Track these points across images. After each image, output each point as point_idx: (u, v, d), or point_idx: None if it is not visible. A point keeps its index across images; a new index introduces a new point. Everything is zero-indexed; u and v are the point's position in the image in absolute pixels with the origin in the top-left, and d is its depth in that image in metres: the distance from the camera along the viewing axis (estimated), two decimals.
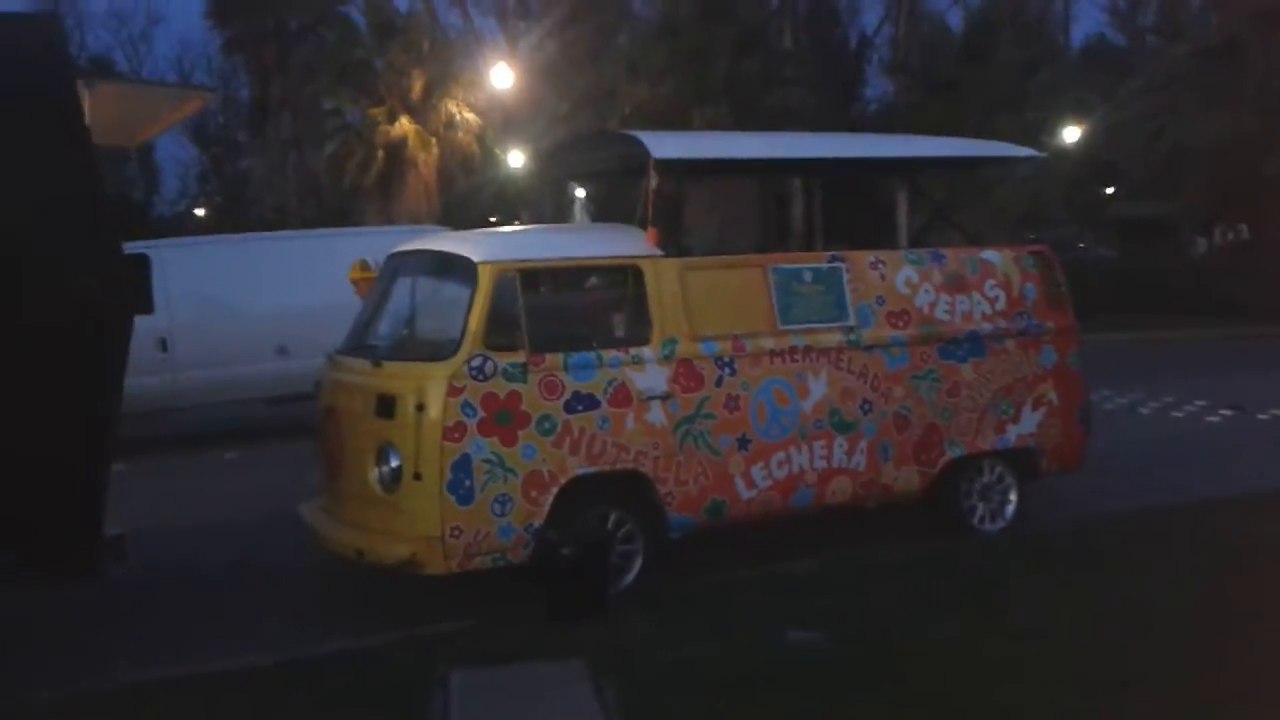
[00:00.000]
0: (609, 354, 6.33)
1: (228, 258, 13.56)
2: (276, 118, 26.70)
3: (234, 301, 13.00)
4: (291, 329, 12.42)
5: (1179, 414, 12.57)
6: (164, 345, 12.25)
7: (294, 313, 12.58)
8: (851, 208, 13.72)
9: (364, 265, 8.12)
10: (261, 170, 31.56)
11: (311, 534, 6.68)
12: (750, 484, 6.61)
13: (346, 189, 26.66)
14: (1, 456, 5.02)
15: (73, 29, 38.52)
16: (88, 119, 5.28)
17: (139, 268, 10.99)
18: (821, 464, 6.81)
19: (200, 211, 38.38)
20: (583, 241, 7.06)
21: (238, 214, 33.70)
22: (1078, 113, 25.55)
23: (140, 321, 7.49)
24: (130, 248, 12.41)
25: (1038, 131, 23.72)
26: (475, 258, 6.26)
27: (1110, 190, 31.75)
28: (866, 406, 6.95)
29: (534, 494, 6.06)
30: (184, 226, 32.29)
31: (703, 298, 6.57)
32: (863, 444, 6.93)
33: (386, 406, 6.12)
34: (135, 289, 5.72)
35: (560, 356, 6.18)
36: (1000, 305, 7.47)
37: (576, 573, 5.90)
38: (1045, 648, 5.26)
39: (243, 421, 12.84)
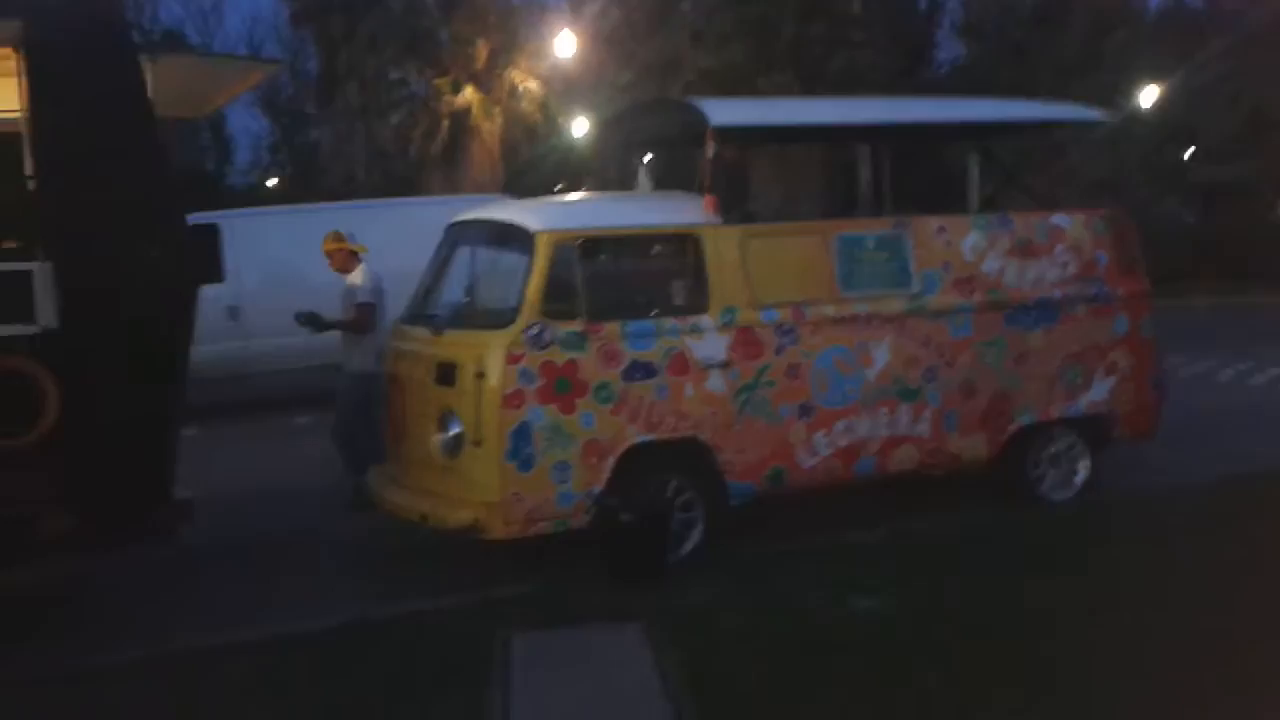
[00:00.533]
0: (667, 322, 6.30)
1: (296, 227, 13.67)
2: (344, 88, 26.86)
3: (302, 270, 13.12)
4: None
5: (1258, 381, 12.23)
6: (234, 313, 12.45)
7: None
8: (919, 173, 13.49)
9: (337, 236, 8.21)
10: (330, 140, 31.81)
11: (377, 499, 6.77)
12: (811, 451, 6.55)
13: (412, 158, 26.79)
14: (73, 422, 5.11)
15: (144, 2, 39.26)
16: (151, 91, 5.33)
17: (207, 238, 11.14)
18: (885, 431, 6.73)
19: (272, 182, 38.88)
20: (641, 209, 7.02)
21: (308, 184, 34.06)
22: (1154, 76, 24.82)
23: (212, 289, 7.70)
24: (202, 218, 12.77)
25: (1113, 95, 23.08)
26: (533, 226, 6.25)
27: (1189, 154, 30.87)
28: (930, 374, 6.85)
29: (593, 461, 6.07)
30: (256, 196, 32.72)
31: (763, 265, 6.51)
32: (927, 412, 6.84)
33: (447, 374, 6.16)
34: (202, 259, 5.77)
35: (618, 325, 6.16)
36: (1071, 271, 7.31)
37: (636, 539, 5.92)
38: (1115, 619, 5.16)
39: (312, 388, 13.01)
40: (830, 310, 6.63)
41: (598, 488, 6.07)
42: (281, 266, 13.07)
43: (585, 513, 6.07)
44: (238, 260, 12.44)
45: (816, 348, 6.56)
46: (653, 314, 6.35)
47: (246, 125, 53.00)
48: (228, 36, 40.09)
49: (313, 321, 7.99)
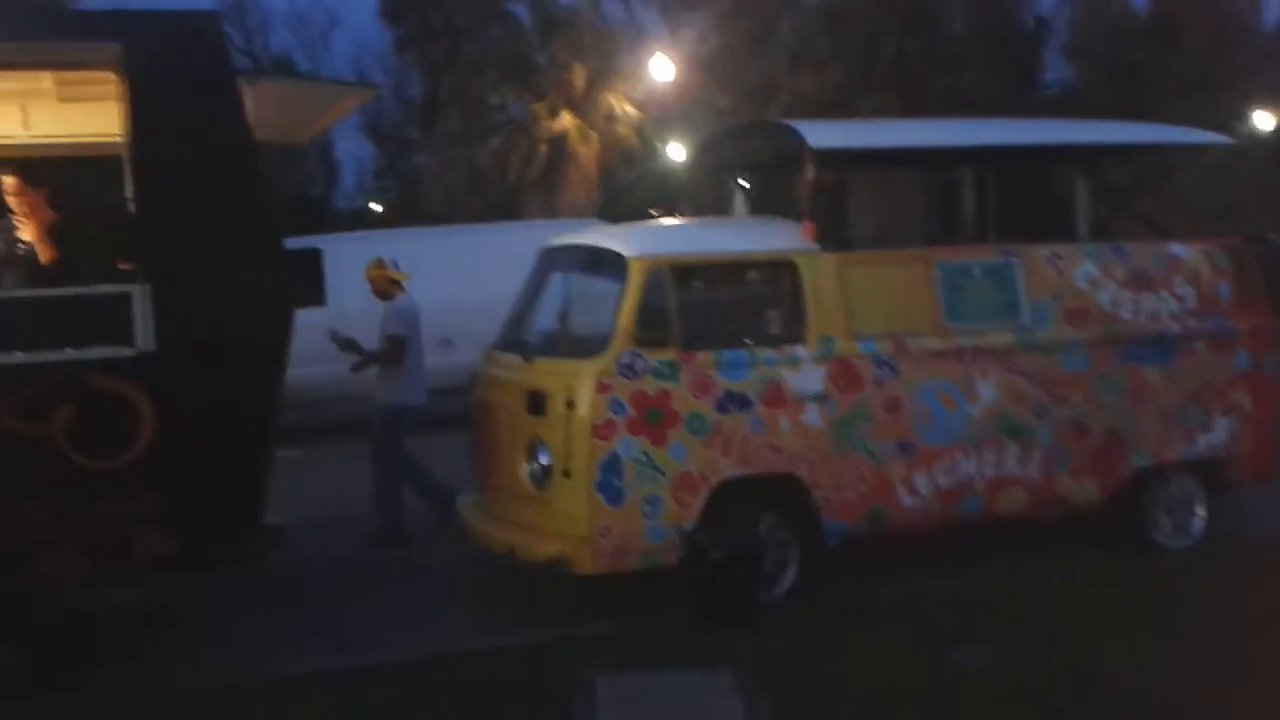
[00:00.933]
0: (763, 352, 6.12)
1: (397, 251, 13.83)
2: (445, 114, 27.33)
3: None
4: (455, 322, 12.58)
5: None
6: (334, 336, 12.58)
7: (457, 306, 12.75)
8: (1026, 199, 13.06)
9: (379, 264, 8.13)
10: (431, 165, 32.38)
11: (465, 528, 6.69)
12: (913, 491, 6.29)
13: (511, 183, 27.08)
14: (169, 445, 5.13)
15: (256, 30, 40.44)
16: (250, 116, 5.35)
17: (309, 262, 11.28)
18: (991, 472, 6.44)
19: (376, 206, 39.63)
20: (736, 235, 6.86)
21: (410, 208, 34.66)
22: (1273, 96, 23.88)
23: (312, 313, 7.73)
24: (305, 242, 12.99)
25: (1228, 117, 22.26)
26: (626, 252, 6.13)
27: None
28: (1040, 411, 6.54)
29: (684, 496, 5.90)
30: (361, 221, 33.38)
31: (862, 294, 6.29)
32: (1036, 452, 6.53)
33: (537, 403, 6.06)
34: (299, 283, 5.76)
35: (712, 354, 6.00)
36: (1189, 304, 6.94)
37: (728, 578, 5.73)
38: (1240, 676, 4.81)
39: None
40: (933, 342, 6.38)
41: (689, 523, 5.90)
42: None
43: (676, 549, 5.90)
44: (340, 283, 12.61)
45: (918, 382, 6.31)
46: (747, 344, 6.17)
47: (353, 150, 54.18)
48: (336, 64, 40.95)
49: (350, 348, 7.86)
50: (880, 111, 22.18)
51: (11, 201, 6.16)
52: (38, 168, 6.26)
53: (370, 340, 7.97)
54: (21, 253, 6.02)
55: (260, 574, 6.23)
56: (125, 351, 5.10)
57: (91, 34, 5.39)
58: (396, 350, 7.74)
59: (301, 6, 55.10)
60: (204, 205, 5.19)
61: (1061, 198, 8.40)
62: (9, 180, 6.18)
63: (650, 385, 5.88)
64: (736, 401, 6.00)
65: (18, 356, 4.99)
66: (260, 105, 5.46)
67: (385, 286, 7.99)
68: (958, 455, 6.37)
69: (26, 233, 6.11)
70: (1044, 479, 6.57)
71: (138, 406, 5.10)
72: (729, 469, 5.99)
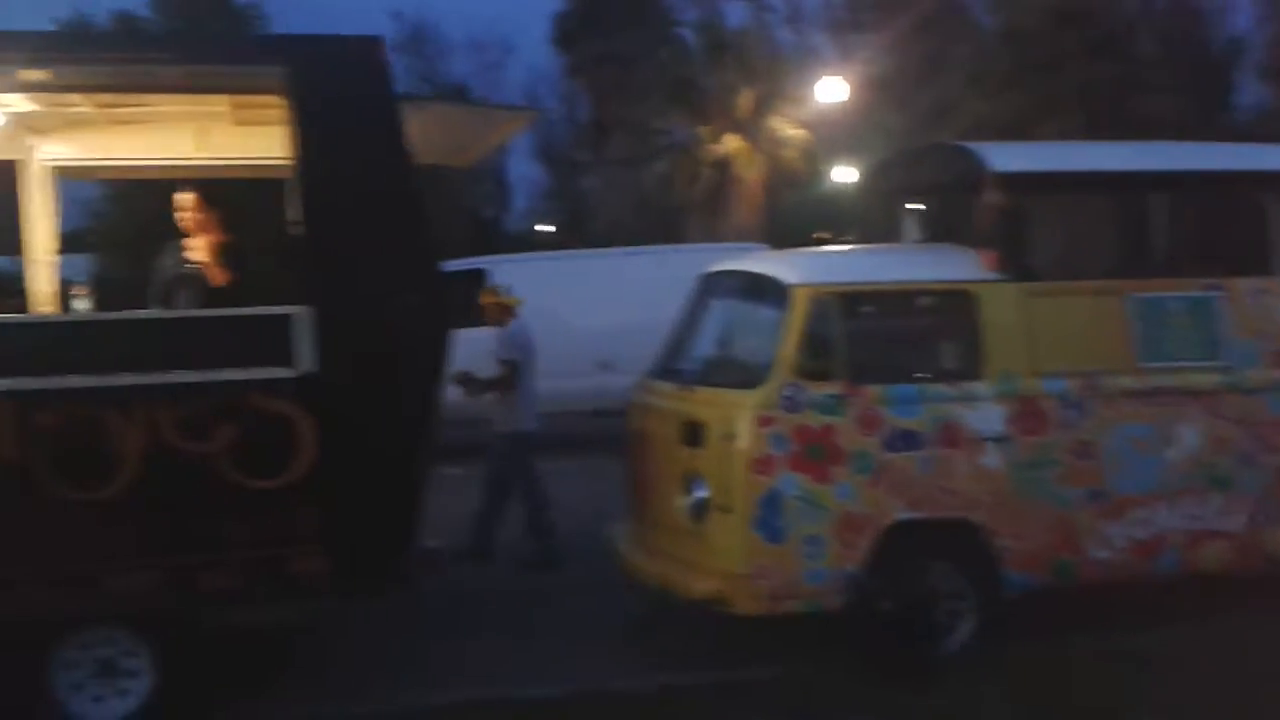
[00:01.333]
0: (936, 388, 5.74)
1: (559, 273, 13.98)
2: (612, 137, 27.57)
3: (563, 316, 13.31)
4: (616, 345, 12.53)
5: None
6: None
7: (619, 329, 12.71)
8: (1224, 228, 12.18)
9: (493, 290, 8.20)
10: (598, 188, 32.75)
11: (618, 558, 6.51)
12: (1104, 543, 5.79)
13: (675, 206, 27.08)
14: (328, 466, 5.14)
15: (434, 58, 41.85)
16: (412, 140, 5.33)
17: (470, 283, 11.40)
18: (1190, 524, 5.89)
19: (547, 228, 40.37)
20: (909, 263, 6.50)
21: (577, 230, 35.16)
22: None
23: (475, 333, 7.78)
24: (470, 263, 13.18)
25: None
26: (789, 279, 5.86)
27: None
28: (1246, 459, 5.95)
29: (849, 537, 5.56)
30: (531, 242, 34.01)
31: (1047, 329, 5.85)
32: (1243, 503, 5.94)
33: (694, 434, 5.83)
34: (454, 305, 5.75)
35: (880, 389, 5.66)
36: None
37: (895, 629, 5.40)
38: None
39: (572, 432, 13.04)
40: (1127, 382, 5.88)
41: (853, 567, 5.56)
42: (546, 311, 13.29)
43: (839, 594, 5.57)
44: None
45: (1110, 425, 5.81)
46: (919, 378, 5.81)
47: (525, 173, 55.51)
48: (511, 90, 42.01)
49: (466, 382, 7.84)
50: (1064, 135, 21.24)
51: (187, 219, 6.31)
52: (213, 189, 6.41)
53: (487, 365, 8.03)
54: (191, 273, 6.15)
55: (413, 598, 6.17)
56: (287, 372, 5.11)
57: (259, 58, 5.49)
58: (506, 376, 7.79)
59: (477, 34, 56.78)
60: (365, 227, 5.21)
61: (1259, 227, 7.75)
62: (188, 198, 6.33)
63: (813, 419, 5.58)
64: (906, 440, 5.64)
65: (183, 375, 5.04)
66: (423, 129, 5.44)
67: (498, 313, 8.04)
68: (1154, 505, 5.84)
69: (198, 253, 6.25)
70: (1250, 533, 5.98)
71: (298, 426, 5.11)
72: (898, 511, 5.62)
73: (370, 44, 5.25)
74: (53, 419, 4.83)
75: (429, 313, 5.36)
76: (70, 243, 12.89)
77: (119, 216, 24.43)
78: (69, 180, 7.45)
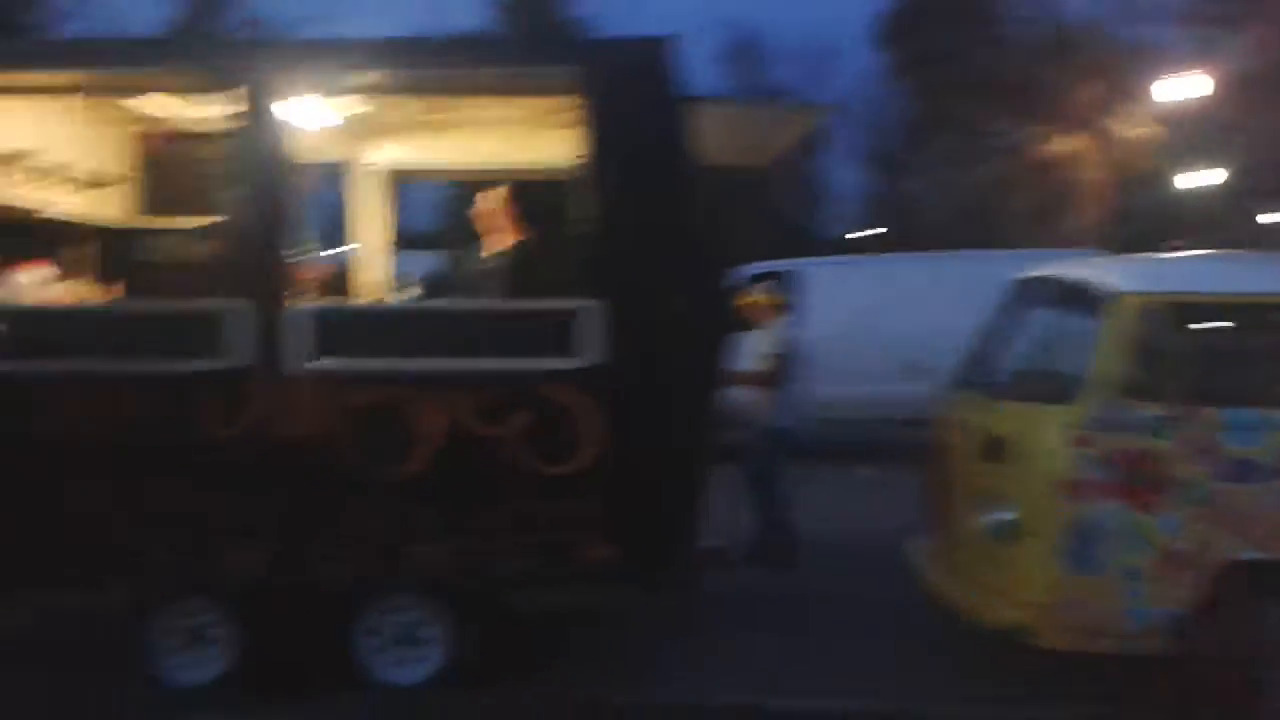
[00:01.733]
0: None
1: (871, 277, 13.67)
2: (937, 139, 26.68)
3: (873, 321, 12.98)
4: (932, 351, 12.06)
5: None
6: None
7: (935, 335, 12.21)
8: None
9: (763, 291, 8.02)
10: (922, 190, 31.84)
11: (915, 574, 6.19)
12: None
13: (1004, 209, 25.84)
14: (613, 456, 5.24)
15: (761, 63, 42.19)
16: (703, 141, 5.35)
17: (772, 285, 11.37)
18: None
19: (868, 232, 39.70)
20: (1257, 273, 5.74)
21: (902, 234, 34.33)
22: None
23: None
24: (777, 265, 13.10)
25: None
26: (1112, 287, 5.30)
27: None
28: None
29: (1174, 575, 4.96)
30: (851, 246, 33.58)
31: None
32: None
33: (997, 450, 5.42)
34: (731, 309, 5.74)
35: (1216, 412, 5.01)
36: None
37: (1226, 683, 4.77)
38: None
39: (881, 440, 12.67)
40: None
41: (1179, 609, 4.96)
42: (860, 315, 12.99)
43: (1160, 637, 4.98)
44: (817, 307, 12.54)
45: None
46: (1264, 402, 5.10)
47: (845, 176, 55.01)
48: (834, 91, 41.66)
49: (736, 377, 7.76)
50: None
51: (493, 215, 6.58)
52: (517, 189, 6.68)
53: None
54: (490, 268, 6.42)
55: (692, 594, 6.14)
56: (578, 363, 5.24)
57: (555, 60, 5.63)
58: (772, 371, 7.77)
59: (804, 39, 57.08)
60: (651, 226, 5.28)
61: None
62: (498, 194, 6.60)
63: (1135, 441, 5.01)
64: (1247, 470, 4.96)
65: (479, 364, 5.29)
66: (711, 130, 5.43)
67: (766, 312, 8.02)
68: None
69: (495, 248, 6.53)
70: None
71: (588, 415, 5.24)
72: (1236, 550, 4.95)
73: (657, 45, 5.29)
74: (366, 399, 5.20)
75: (710, 309, 5.45)
76: (410, 240, 13.91)
77: (453, 215, 26.20)
78: (404, 183, 8.01)
